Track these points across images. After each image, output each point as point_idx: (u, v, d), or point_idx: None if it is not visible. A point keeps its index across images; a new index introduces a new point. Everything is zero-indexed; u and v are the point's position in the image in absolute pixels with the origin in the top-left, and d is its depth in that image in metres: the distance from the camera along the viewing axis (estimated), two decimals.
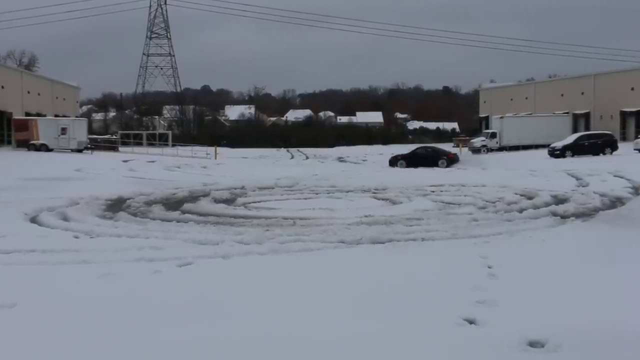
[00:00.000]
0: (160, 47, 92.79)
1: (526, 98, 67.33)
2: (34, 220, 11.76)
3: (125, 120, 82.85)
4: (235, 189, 18.29)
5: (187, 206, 13.98)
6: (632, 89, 52.36)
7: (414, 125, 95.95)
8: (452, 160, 32.62)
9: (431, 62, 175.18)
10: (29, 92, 57.98)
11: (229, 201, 15.46)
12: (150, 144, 57.24)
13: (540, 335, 4.81)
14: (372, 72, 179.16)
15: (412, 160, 32.84)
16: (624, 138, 48.97)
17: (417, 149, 35.52)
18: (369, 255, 8.30)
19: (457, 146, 52.45)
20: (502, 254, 8.07)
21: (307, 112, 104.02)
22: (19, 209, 12.75)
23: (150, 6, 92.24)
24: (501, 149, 48.67)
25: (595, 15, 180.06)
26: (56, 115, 56.19)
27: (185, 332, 4.99)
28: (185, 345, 4.74)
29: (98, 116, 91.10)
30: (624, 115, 53.27)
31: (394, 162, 33.47)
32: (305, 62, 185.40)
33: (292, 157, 48.09)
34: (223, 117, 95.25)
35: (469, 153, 47.33)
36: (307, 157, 48.27)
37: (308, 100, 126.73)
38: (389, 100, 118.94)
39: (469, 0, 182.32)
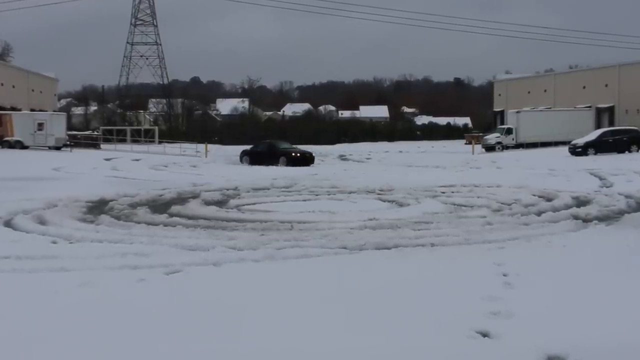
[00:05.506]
0: (146, 35, 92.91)
1: (545, 91, 67.37)
2: (7, 224, 11.76)
3: (108, 115, 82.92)
4: (227, 189, 18.31)
5: (175, 209, 13.98)
6: None
7: (422, 120, 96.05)
8: (296, 159, 32.87)
9: (441, 52, 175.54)
10: (2, 84, 58.04)
11: (220, 203, 15.47)
12: (135, 141, 57.28)
13: (560, 350, 4.81)
14: (377, 62, 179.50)
15: (255, 157, 34.23)
16: None
17: (260, 144, 36.96)
18: (373, 262, 8.30)
19: (470, 143, 52.48)
20: (519, 261, 8.07)
21: (306, 106, 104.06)
22: None
23: None
24: (517, 146, 48.75)
25: (626, 2, 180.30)
26: (32, 110, 56.19)
27: (174, 344, 5.00)
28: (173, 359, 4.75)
29: (78, 110, 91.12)
30: None
31: (241, 157, 35.32)
32: (304, 52, 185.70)
33: None
34: (214, 112, 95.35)
35: (482, 151, 47.37)
36: None
37: (307, 93, 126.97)
38: (395, 93, 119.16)
39: None
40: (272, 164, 32.14)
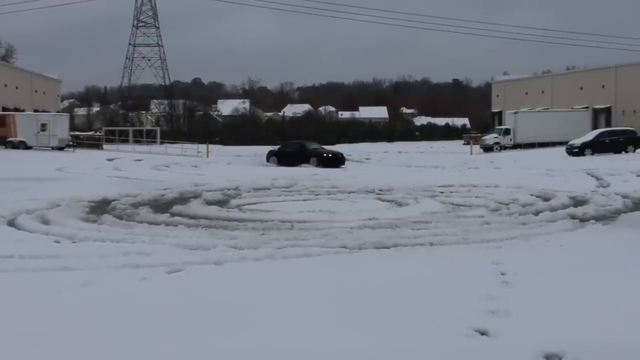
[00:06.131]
0: (148, 36, 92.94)
1: (542, 92, 67.38)
2: (11, 223, 11.76)
3: (110, 116, 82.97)
4: (228, 189, 18.30)
5: (176, 208, 13.98)
6: None
7: (421, 121, 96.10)
8: (328, 160, 31.92)
9: (440, 53, 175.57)
10: (6, 86, 58.03)
11: (221, 203, 15.47)
12: (137, 141, 57.31)
13: (557, 348, 4.81)
14: (376, 64, 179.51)
15: (283, 157, 33.17)
16: None
17: (289, 144, 36.03)
18: (373, 261, 8.31)
19: (468, 143, 52.50)
20: (517, 260, 8.08)
21: (306, 107, 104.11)
22: None
23: None
24: (515, 146, 48.76)
25: (624, 4, 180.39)
26: (35, 111, 56.19)
27: (176, 342, 5.00)
28: (173, 358, 4.75)
29: (81, 111, 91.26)
30: None
31: (268, 157, 34.27)
32: (304, 53, 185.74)
33: None
34: (215, 112, 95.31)
35: (481, 151, 47.38)
36: None
37: (307, 94, 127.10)
38: (394, 94, 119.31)
39: None
40: (302, 165, 31.35)
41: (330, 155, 33.09)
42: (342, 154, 33.55)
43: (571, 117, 52.75)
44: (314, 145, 34.89)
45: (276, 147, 35.92)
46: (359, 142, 69.18)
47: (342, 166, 31.96)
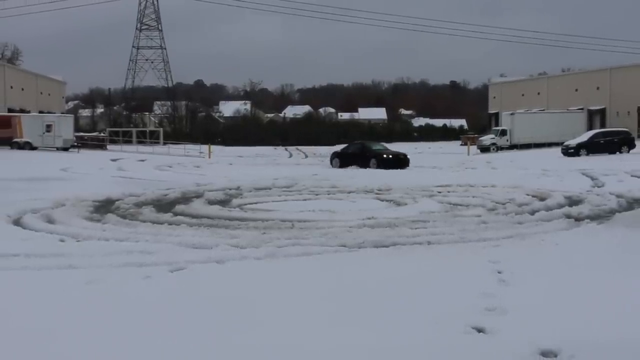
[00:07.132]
0: (151, 39, 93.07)
1: (538, 93, 67.44)
2: (17, 222, 11.76)
3: (114, 117, 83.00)
4: (230, 189, 18.30)
5: (179, 208, 13.99)
6: None
7: (419, 122, 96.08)
8: (388, 161, 29.16)
9: (438, 55, 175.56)
10: (11, 87, 58.05)
11: (223, 202, 15.47)
12: (140, 142, 57.33)
13: (553, 345, 4.82)
14: (375, 65, 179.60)
15: (345, 159, 30.98)
16: None
17: (352, 145, 33.79)
18: (372, 260, 8.30)
19: (465, 144, 52.50)
20: (513, 259, 8.08)
21: (307, 108, 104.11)
22: (0, 211, 12.74)
23: None
24: (512, 147, 48.77)
25: (621, 7, 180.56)
26: (41, 112, 56.20)
27: (178, 339, 5.00)
28: (173, 356, 4.75)
29: (85, 112, 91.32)
30: None
31: (331, 159, 32.17)
32: (304, 55, 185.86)
33: (291, 155, 48.16)
34: (217, 114, 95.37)
35: (478, 152, 47.38)
36: (306, 156, 48.29)
37: (307, 95, 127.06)
38: (392, 95, 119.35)
39: None
40: (362, 166, 28.84)
41: (390, 156, 30.00)
42: (404, 155, 30.42)
43: (567, 118, 52.76)
44: (376, 146, 32.29)
45: (339, 148, 33.75)
46: None
47: (407, 168, 29.05)
